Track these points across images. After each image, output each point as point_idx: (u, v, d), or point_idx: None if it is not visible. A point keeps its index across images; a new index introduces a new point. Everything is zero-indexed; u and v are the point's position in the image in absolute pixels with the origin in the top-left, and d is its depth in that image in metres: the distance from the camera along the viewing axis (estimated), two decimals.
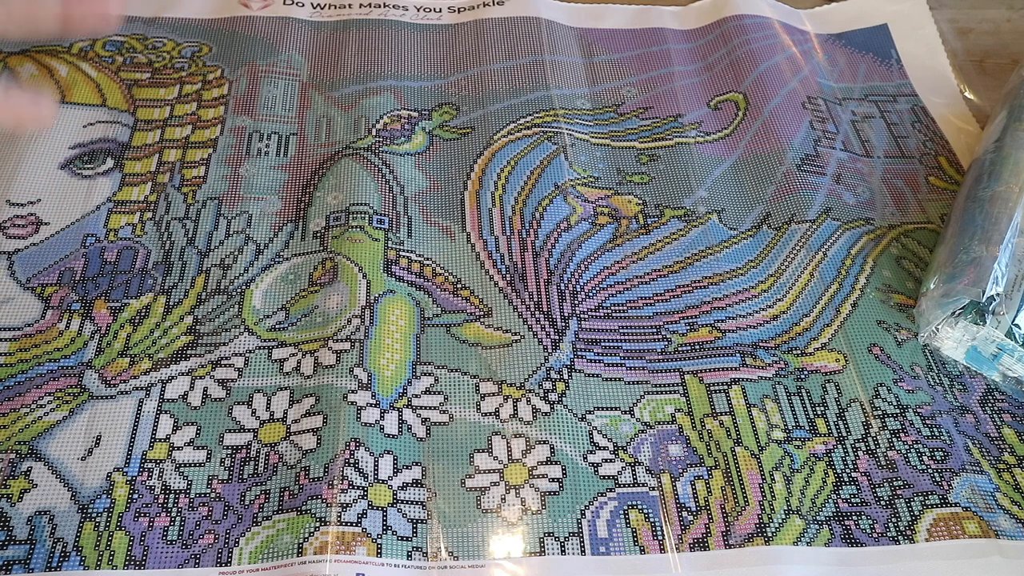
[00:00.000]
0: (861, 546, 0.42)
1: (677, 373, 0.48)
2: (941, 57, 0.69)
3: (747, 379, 0.48)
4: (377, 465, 0.43)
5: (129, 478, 0.42)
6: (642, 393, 0.47)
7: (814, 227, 0.56)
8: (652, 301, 0.51)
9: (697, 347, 0.49)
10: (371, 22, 0.67)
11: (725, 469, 0.44)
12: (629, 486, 0.43)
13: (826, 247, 0.55)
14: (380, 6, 0.68)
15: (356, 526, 0.40)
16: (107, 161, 0.55)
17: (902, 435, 0.46)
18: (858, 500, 0.43)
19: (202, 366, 0.46)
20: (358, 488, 0.41)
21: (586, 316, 0.50)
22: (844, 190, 0.58)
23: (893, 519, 0.43)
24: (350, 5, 0.69)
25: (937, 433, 0.46)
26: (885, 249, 0.55)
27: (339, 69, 0.64)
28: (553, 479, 0.43)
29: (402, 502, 0.42)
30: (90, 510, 0.40)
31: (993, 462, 0.45)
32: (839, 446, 0.45)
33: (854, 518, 0.43)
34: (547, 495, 0.43)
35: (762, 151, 0.60)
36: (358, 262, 0.51)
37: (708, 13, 0.71)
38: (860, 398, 0.47)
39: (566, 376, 0.47)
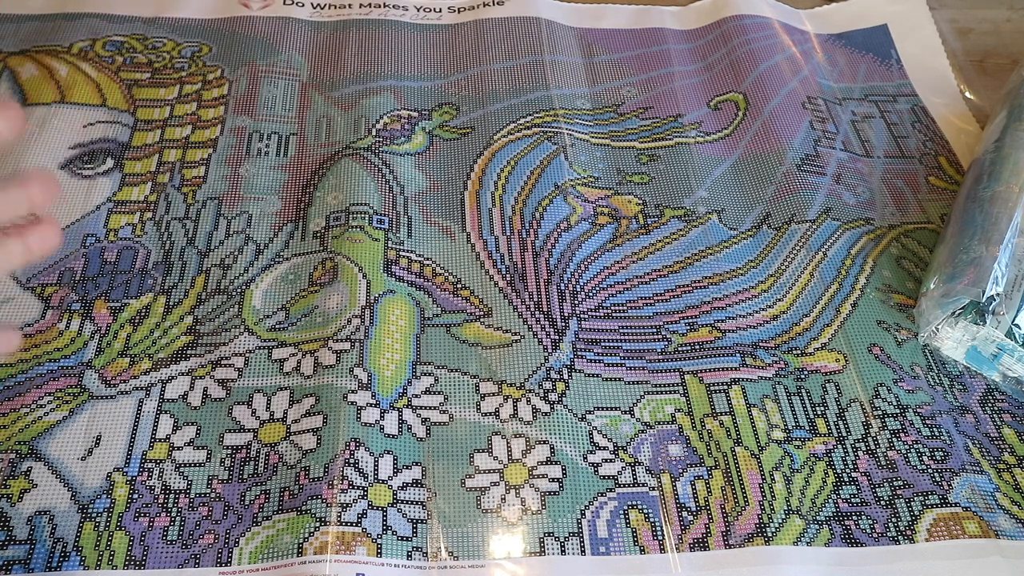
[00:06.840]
0: (861, 546, 0.42)
1: (677, 373, 0.48)
2: (941, 57, 0.69)
3: (747, 379, 0.48)
4: (377, 465, 0.43)
5: (129, 478, 0.42)
6: (642, 393, 0.47)
7: (814, 227, 0.56)
8: (652, 301, 0.51)
9: (697, 347, 0.49)
10: (371, 22, 0.67)
11: (725, 469, 0.44)
12: (629, 486, 0.43)
13: (826, 247, 0.55)
14: (380, 6, 0.68)
15: (356, 526, 0.40)
16: (107, 161, 0.55)
17: (902, 435, 0.46)
18: (858, 500, 0.43)
19: (202, 366, 0.46)
20: (358, 488, 0.41)
21: (586, 316, 0.50)
22: (844, 190, 0.58)
23: (893, 519, 0.43)
24: (350, 5, 0.69)
25: (937, 433, 0.46)
26: (885, 249, 0.55)
27: (339, 69, 0.63)
28: (553, 479, 0.43)
29: (402, 502, 0.42)
30: (90, 510, 0.40)
31: (993, 462, 0.45)
32: (839, 446, 0.45)
33: (854, 518, 0.43)
34: (547, 495, 0.43)
35: (762, 151, 0.60)
36: (358, 262, 0.51)
37: (708, 13, 0.71)
38: (860, 398, 0.47)
39: (566, 376, 0.47)
